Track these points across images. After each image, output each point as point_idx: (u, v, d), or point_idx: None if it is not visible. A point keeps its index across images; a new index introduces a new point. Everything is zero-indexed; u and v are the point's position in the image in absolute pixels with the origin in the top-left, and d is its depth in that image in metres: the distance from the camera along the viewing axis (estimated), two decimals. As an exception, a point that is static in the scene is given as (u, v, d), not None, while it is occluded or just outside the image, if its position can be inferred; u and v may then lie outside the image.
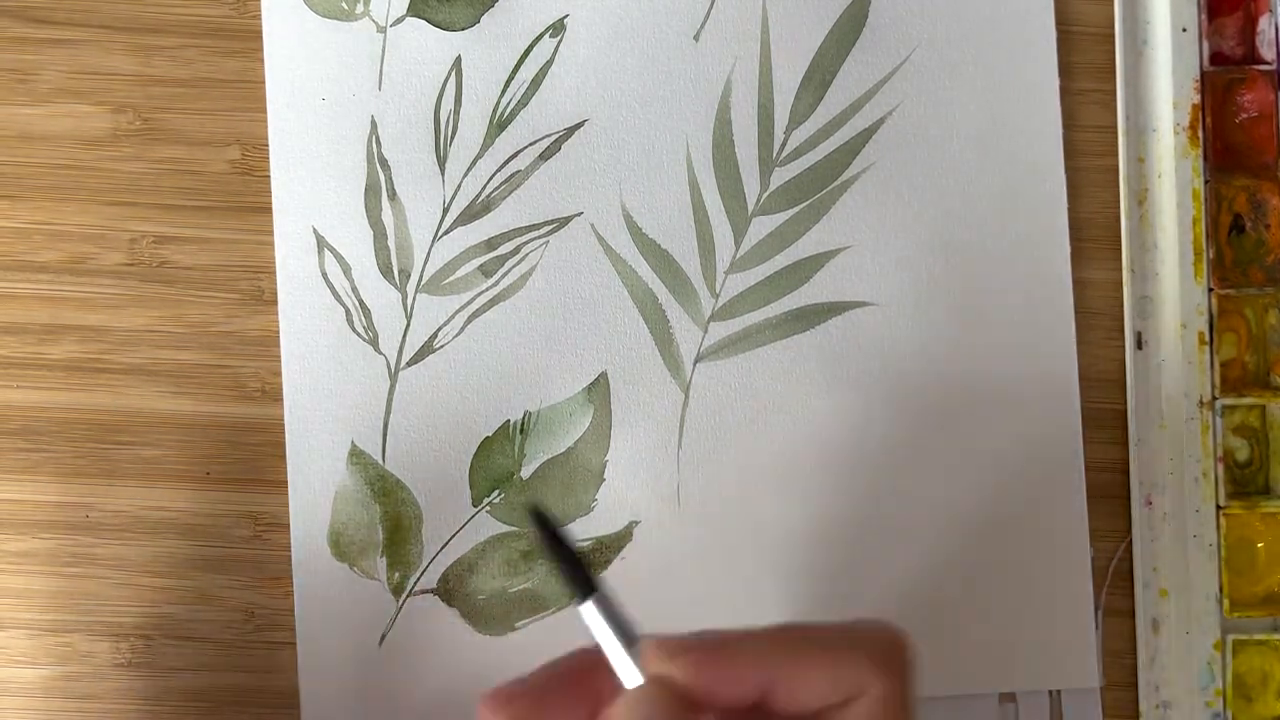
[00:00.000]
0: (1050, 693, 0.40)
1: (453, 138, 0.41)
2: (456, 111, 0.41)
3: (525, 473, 0.40)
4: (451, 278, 0.41)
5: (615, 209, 0.41)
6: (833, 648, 0.29)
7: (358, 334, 0.40)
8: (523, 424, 0.40)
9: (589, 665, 0.30)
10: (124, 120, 0.41)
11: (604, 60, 0.41)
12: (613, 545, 0.40)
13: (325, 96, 0.41)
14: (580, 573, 0.29)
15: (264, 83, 0.41)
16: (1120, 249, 0.41)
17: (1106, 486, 0.41)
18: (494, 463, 0.40)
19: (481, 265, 0.41)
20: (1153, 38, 0.41)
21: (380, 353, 0.40)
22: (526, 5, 0.41)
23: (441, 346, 0.41)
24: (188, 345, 0.41)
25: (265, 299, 0.41)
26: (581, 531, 0.40)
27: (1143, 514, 0.40)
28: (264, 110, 0.41)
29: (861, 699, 0.29)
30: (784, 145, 0.41)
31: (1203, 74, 0.41)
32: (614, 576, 0.40)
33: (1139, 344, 0.40)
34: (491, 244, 0.41)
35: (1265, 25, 0.41)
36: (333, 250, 0.40)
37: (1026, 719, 0.40)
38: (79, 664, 0.40)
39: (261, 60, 0.41)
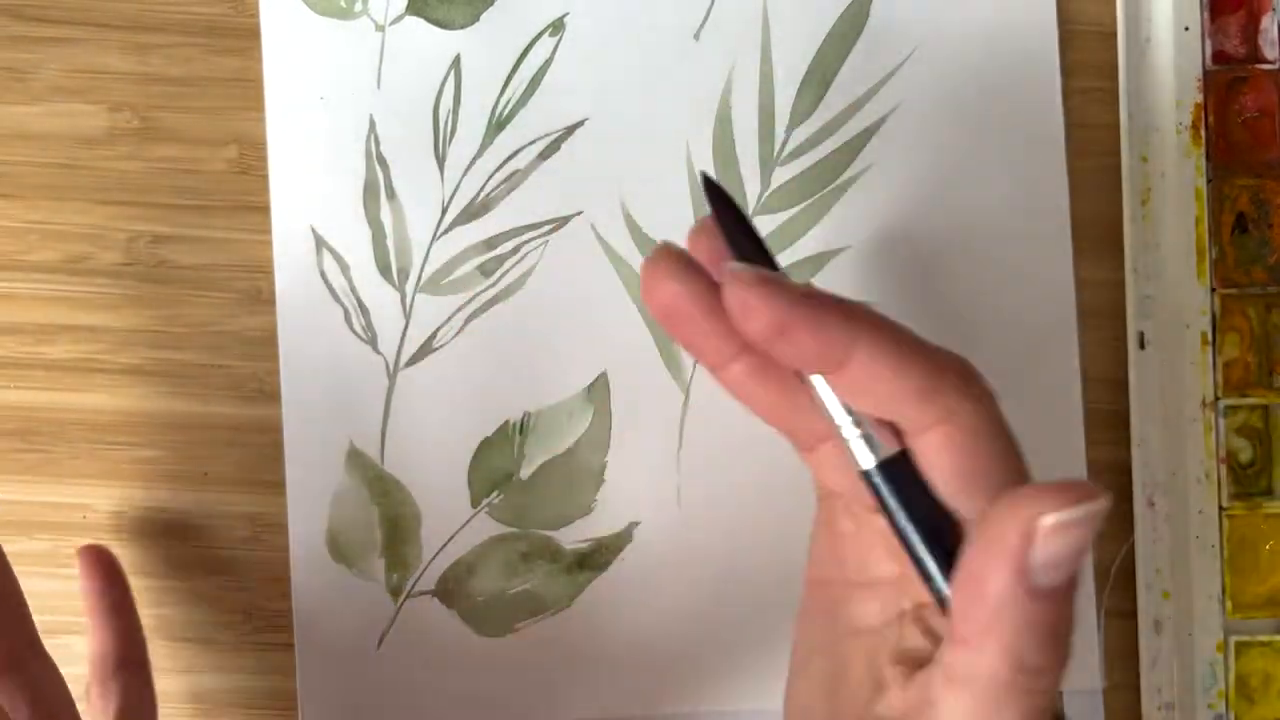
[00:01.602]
0: (1052, 694, 0.40)
1: (452, 136, 0.41)
2: (455, 110, 0.41)
3: (525, 473, 0.40)
4: (450, 277, 0.40)
5: (615, 209, 0.40)
6: (927, 352, 0.26)
7: (356, 334, 0.40)
8: (522, 424, 0.40)
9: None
10: (121, 119, 0.41)
11: (604, 59, 0.41)
12: (613, 546, 0.40)
13: (323, 95, 0.40)
14: (757, 240, 0.28)
15: (262, 81, 0.40)
16: (1122, 249, 0.40)
17: (1109, 487, 0.40)
18: (493, 463, 0.40)
19: (480, 265, 0.40)
20: (1155, 36, 0.40)
21: (379, 353, 0.40)
22: (526, 4, 0.41)
23: (440, 346, 0.40)
24: (185, 345, 0.40)
25: (263, 299, 0.40)
26: (581, 532, 0.40)
27: (1145, 515, 0.40)
28: (262, 109, 0.40)
29: (949, 425, 0.26)
30: (784, 144, 0.41)
31: (1205, 73, 0.40)
32: (614, 577, 0.40)
33: (1141, 344, 0.40)
34: (491, 243, 0.40)
35: (1268, 24, 0.41)
36: (331, 250, 0.40)
37: (1028, 721, 0.40)
38: (77, 665, 0.40)
39: (259, 59, 0.41)
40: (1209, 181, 0.40)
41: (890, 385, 0.25)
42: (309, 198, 0.40)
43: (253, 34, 0.41)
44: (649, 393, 0.40)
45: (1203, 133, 0.40)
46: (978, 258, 0.40)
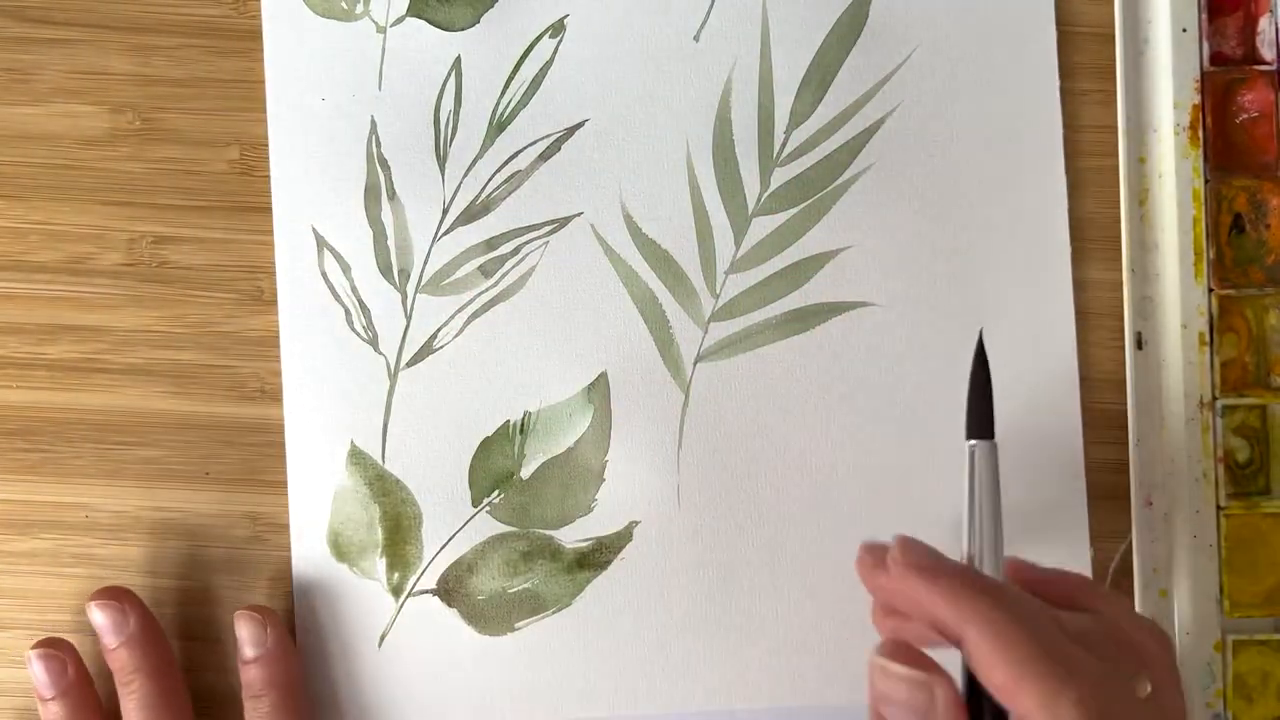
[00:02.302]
0: (1051, 693, 0.40)
1: (452, 138, 0.41)
2: (456, 112, 0.41)
3: (525, 473, 0.40)
4: (451, 278, 0.41)
5: (615, 209, 0.41)
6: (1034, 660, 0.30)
7: (357, 334, 0.40)
8: (522, 424, 0.40)
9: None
10: (123, 120, 0.41)
11: (604, 60, 0.41)
12: (613, 545, 0.40)
13: (325, 96, 0.41)
14: (988, 415, 0.34)
15: (263, 83, 0.41)
16: (1120, 249, 0.41)
17: (1107, 487, 0.41)
18: (494, 463, 0.40)
19: (481, 265, 0.41)
20: (1153, 38, 0.41)
21: (380, 353, 0.40)
22: (526, 5, 0.41)
23: (441, 346, 0.40)
24: (187, 345, 0.41)
25: (265, 299, 0.41)
26: (581, 532, 0.40)
27: (1143, 514, 0.40)
28: (263, 110, 0.41)
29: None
30: (784, 145, 0.41)
31: (1203, 74, 0.40)
32: (614, 577, 0.40)
33: (1139, 344, 0.40)
34: (491, 244, 0.41)
35: (1265, 25, 0.41)
36: (332, 250, 0.40)
37: (1027, 719, 0.40)
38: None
39: (261, 60, 0.41)
40: (1206, 182, 0.40)
41: (988, 678, 0.30)
42: (310, 198, 0.40)
43: (254, 35, 0.41)
44: (649, 393, 0.40)
45: (1200, 134, 0.40)
46: (977, 258, 0.41)
